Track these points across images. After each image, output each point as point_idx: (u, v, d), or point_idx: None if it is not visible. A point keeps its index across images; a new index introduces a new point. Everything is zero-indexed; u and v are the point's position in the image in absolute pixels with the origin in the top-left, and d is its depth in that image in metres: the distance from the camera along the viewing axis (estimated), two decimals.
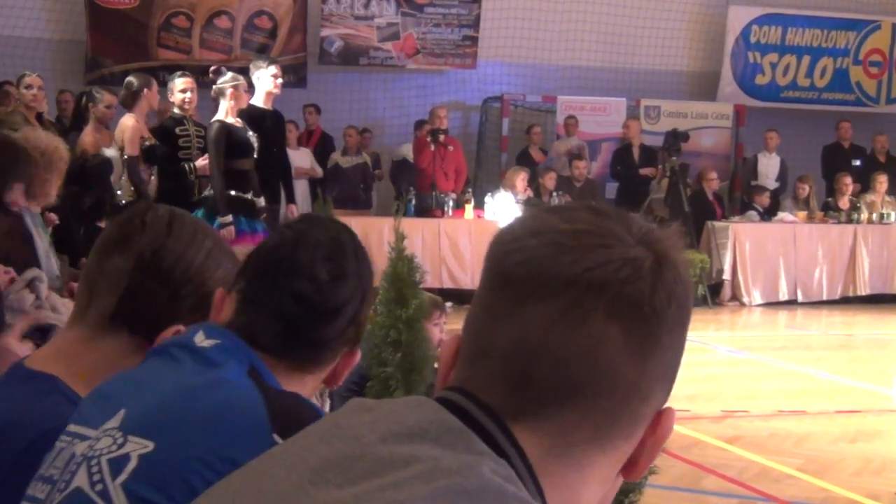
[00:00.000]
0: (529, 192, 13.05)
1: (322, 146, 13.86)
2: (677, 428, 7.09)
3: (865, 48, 17.20)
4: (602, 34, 16.05)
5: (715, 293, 13.56)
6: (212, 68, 8.88)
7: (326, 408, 3.80)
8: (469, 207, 12.64)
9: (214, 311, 1.84)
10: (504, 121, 15.57)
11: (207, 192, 8.21)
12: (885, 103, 17.33)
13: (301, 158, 13.12)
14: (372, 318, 4.55)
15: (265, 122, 8.66)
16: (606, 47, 16.13)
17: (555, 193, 13.01)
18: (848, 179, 14.46)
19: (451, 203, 12.62)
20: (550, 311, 0.99)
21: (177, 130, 8.53)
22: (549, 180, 13.43)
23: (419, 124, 14.17)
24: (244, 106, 8.38)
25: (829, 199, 14.75)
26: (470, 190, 13.23)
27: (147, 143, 8.27)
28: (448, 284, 11.93)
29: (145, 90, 8.34)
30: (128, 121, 8.25)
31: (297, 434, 1.08)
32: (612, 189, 14.99)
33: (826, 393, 8.39)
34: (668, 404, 1.07)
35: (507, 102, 15.58)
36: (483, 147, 15.72)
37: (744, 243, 13.68)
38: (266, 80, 8.59)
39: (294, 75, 14.72)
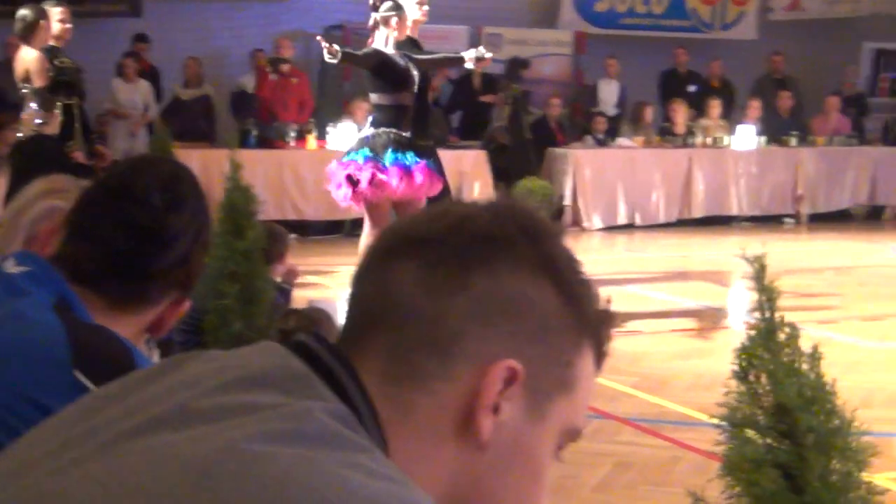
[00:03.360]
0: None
1: (150, 80, 13.55)
2: None
3: None
4: None
5: (556, 219, 13.77)
6: None
7: (155, 357, 3.77)
8: (311, 138, 12.55)
9: (38, 245, 1.80)
10: None
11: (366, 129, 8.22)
12: (720, 29, 17.70)
13: (136, 92, 12.98)
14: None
15: (417, 52, 8.37)
16: None
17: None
18: (682, 105, 14.83)
19: (293, 134, 12.53)
20: (373, 258, 1.06)
21: (56, 63, 8.21)
22: None
23: (255, 52, 14.12)
24: (403, 37, 8.05)
25: (666, 123, 15.12)
26: (312, 120, 13.12)
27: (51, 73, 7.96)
28: (291, 216, 11.89)
29: (41, 21, 8.01)
30: (29, 52, 7.94)
31: (141, 377, 1.04)
32: (455, 118, 15.04)
33: (662, 313, 8.68)
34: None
35: (348, 31, 15.43)
36: (326, 77, 15.59)
37: (583, 169, 13.90)
38: (412, 9, 8.21)
39: (128, 4, 14.34)
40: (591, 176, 13.94)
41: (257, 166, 11.30)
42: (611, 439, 5.48)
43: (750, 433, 2.41)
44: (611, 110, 15.44)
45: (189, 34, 14.64)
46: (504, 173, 13.71)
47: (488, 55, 8.43)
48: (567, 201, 13.83)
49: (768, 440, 2.39)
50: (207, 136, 13.40)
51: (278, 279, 5.60)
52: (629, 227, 14.02)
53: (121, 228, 1.70)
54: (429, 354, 0.98)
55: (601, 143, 14.51)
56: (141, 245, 1.71)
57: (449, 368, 0.98)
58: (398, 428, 0.97)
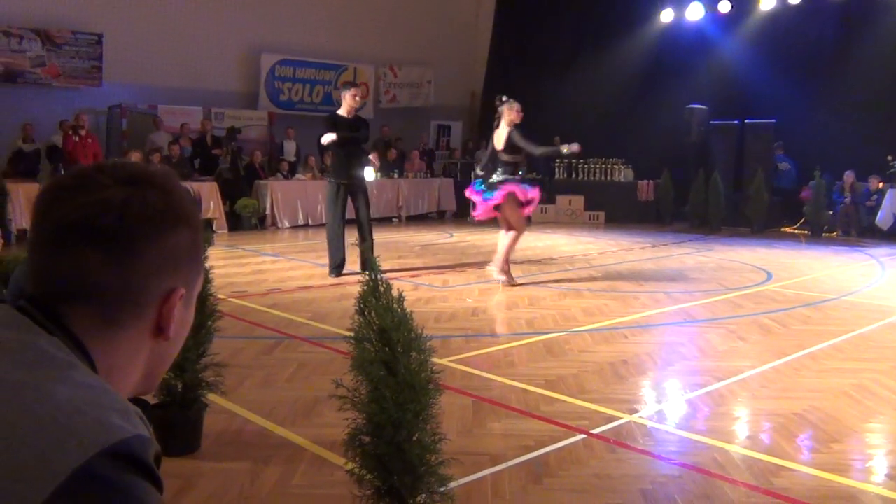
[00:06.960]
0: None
1: None
2: (240, 301, 6.97)
3: (340, 80, 17.55)
4: (186, 66, 15.13)
5: (262, 222, 13.46)
6: None
7: None
8: None
9: None
10: (123, 121, 14.29)
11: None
12: None
13: None
14: None
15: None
16: (189, 73, 15.23)
17: (158, 165, 12.18)
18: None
19: None
20: (54, 246, 0.86)
21: None
22: (157, 158, 12.56)
23: (62, 123, 12.75)
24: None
25: (324, 165, 14.98)
26: None
27: None
28: None
29: None
30: None
31: None
32: (197, 163, 14.26)
33: (324, 274, 8.60)
34: (197, 283, 0.95)
35: (124, 109, 14.29)
36: (111, 137, 14.35)
37: (277, 192, 13.64)
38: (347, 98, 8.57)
39: None
40: (281, 197, 13.67)
41: None
42: (295, 350, 5.43)
43: (367, 344, 2.46)
44: (291, 158, 15.18)
45: (15, 109, 13.04)
46: (229, 196, 13.22)
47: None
48: (268, 211, 13.51)
49: (376, 348, 2.45)
50: (35, 174, 11.99)
51: None
52: (305, 225, 13.85)
53: None
54: (124, 308, 0.87)
55: (286, 177, 14.26)
56: None
57: (142, 311, 0.89)
58: (109, 353, 0.87)
